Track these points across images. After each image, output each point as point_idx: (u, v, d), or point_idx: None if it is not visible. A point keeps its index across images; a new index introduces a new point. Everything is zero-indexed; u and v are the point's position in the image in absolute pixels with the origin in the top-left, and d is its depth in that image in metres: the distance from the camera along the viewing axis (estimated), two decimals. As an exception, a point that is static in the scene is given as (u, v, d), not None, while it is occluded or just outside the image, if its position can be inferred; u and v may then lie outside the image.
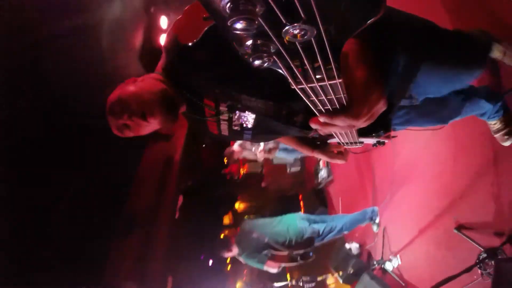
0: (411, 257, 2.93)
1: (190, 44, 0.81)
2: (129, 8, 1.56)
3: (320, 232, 3.32)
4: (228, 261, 6.25)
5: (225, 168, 7.16)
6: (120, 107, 1.05)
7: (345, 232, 3.53)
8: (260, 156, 5.23)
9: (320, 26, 0.28)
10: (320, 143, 1.48)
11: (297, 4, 0.25)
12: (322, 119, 0.56)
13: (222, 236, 6.05)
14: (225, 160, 6.72)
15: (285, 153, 5.32)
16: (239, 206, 7.54)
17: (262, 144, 5.01)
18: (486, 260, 1.89)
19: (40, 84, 1.06)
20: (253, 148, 5.10)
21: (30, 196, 1.04)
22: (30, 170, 1.05)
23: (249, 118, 1.10)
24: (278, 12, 0.26)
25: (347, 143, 0.88)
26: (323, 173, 5.36)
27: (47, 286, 1.20)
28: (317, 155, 1.50)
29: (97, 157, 1.40)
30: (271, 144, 5.12)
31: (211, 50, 0.83)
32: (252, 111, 1.08)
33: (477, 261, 1.91)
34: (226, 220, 6.95)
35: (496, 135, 1.81)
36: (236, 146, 5.07)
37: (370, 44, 0.59)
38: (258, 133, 1.17)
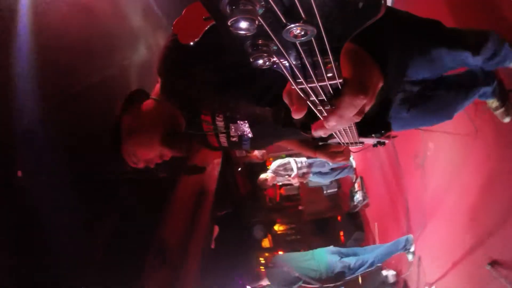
0: (447, 289, 2.86)
1: (190, 43, 0.81)
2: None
3: (351, 266, 3.30)
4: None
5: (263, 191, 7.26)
6: (139, 163, 1.17)
7: (378, 265, 3.48)
8: (294, 182, 5.27)
9: (321, 26, 0.29)
10: (321, 144, 1.49)
11: (298, 4, 0.26)
12: (330, 121, 0.48)
13: (262, 259, 6.14)
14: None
15: (319, 176, 5.29)
16: (278, 228, 7.59)
17: (295, 169, 5.05)
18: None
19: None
20: (286, 175, 5.15)
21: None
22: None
23: (245, 128, 1.14)
24: (278, 12, 0.27)
25: (347, 143, 0.87)
26: (358, 196, 5.27)
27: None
28: (319, 155, 1.56)
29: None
30: (304, 169, 5.14)
31: (212, 50, 0.85)
32: (250, 118, 1.11)
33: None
34: (266, 243, 7.02)
35: (496, 112, 1.91)
36: (269, 173, 5.16)
37: (367, 44, 0.57)
38: (257, 141, 1.23)
